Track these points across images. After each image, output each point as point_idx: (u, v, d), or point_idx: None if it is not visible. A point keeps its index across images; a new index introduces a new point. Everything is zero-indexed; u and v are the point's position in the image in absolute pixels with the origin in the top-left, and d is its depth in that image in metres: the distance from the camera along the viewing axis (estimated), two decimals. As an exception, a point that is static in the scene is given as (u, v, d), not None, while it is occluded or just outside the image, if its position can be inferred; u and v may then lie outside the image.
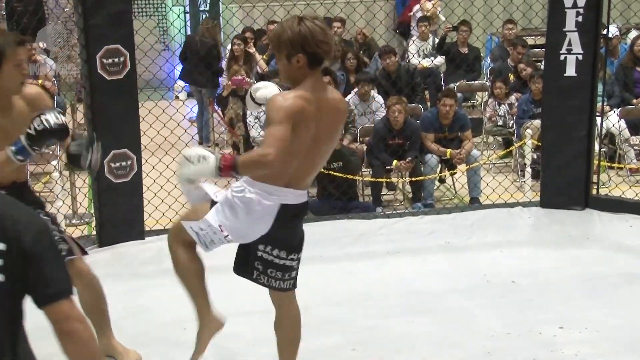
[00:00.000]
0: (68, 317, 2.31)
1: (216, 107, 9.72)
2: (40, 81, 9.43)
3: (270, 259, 3.65)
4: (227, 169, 3.27)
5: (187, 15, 14.13)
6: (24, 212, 2.33)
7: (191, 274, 3.75)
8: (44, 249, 2.29)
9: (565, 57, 6.61)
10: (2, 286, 2.23)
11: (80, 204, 7.51)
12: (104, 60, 5.72)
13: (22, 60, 3.62)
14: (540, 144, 7.22)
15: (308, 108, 3.33)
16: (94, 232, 6.33)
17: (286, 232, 3.64)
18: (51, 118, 3.44)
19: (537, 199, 7.09)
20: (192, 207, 3.78)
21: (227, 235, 3.53)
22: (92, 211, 6.61)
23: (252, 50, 9.77)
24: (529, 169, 7.70)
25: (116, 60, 5.76)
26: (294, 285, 3.87)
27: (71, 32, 11.74)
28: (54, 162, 7.29)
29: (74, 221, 7.16)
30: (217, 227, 3.50)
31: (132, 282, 5.41)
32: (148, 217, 6.35)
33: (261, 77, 8.59)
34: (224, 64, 9.92)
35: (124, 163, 5.87)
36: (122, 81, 5.81)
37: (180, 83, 11.64)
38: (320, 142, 3.50)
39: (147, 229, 6.29)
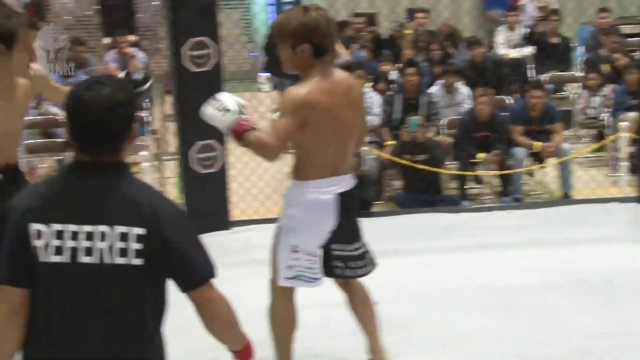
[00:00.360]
0: (212, 300, 2.43)
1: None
2: (127, 74, 9.57)
3: (346, 254, 3.70)
4: (235, 134, 3.39)
5: (271, 7, 14.12)
6: (160, 199, 2.40)
7: (288, 331, 3.81)
8: (184, 234, 2.36)
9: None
10: (141, 270, 2.28)
11: (169, 193, 7.58)
12: (191, 53, 5.75)
13: (32, 43, 3.60)
14: (637, 137, 6.98)
15: (322, 98, 3.38)
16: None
17: (350, 221, 3.67)
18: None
19: (635, 194, 6.85)
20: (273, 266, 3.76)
21: (306, 250, 3.57)
22: (180, 201, 6.65)
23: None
24: (624, 164, 7.45)
25: (202, 52, 5.79)
26: (374, 264, 3.92)
27: (160, 24, 11.93)
28: (144, 153, 7.39)
29: (162, 211, 7.21)
30: (294, 252, 3.56)
31: (221, 272, 5.39)
32: (234, 208, 6.36)
33: (345, 68, 8.51)
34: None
35: (210, 154, 5.90)
36: (208, 73, 5.84)
37: (264, 75, 11.65)
38: (345, 123, 3.51)
39: (232, 219, 6.31)
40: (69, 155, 7.64)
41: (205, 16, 5.77)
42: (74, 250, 2.26)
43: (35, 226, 2.26)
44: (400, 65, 9.02)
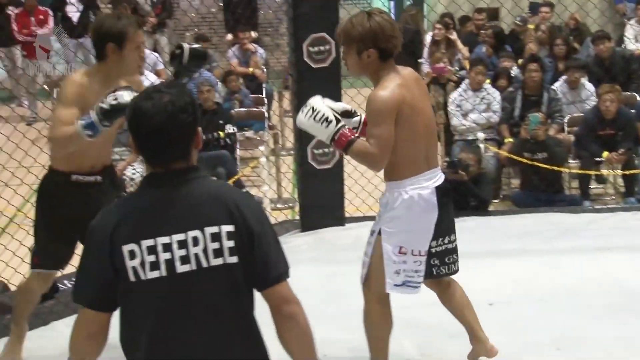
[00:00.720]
0: (288, 299, 2.36)
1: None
2: (250, 69, 9.75)
3: (443, 248, 3.69)
4: (339, 146, 3.40)
5: (392, 3, 14.08)
6: (241, 194, 2.44)
7: (385, 333, 3.79)
8: (266, 230, 2.36)
9: None
10: (237, 268, 2.30)
11: (285, 188, 7.69)
12: (311, 49, 5.81)
13: (141, 43, 3.70)
14: None
15: (405, 95, 3.40)
16: (297, 217, 6.47)
17: (447, 214, 3.64)
18: (125, 95, 3.41)
19: None
20: (371, 272, 3.70)
21: (414, 250, 3.54)
22: (296, 196, 6.74)
23: (454, 37, 9.63)
24: None
25: (322, 48, 5.83)
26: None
27: (281, 21, 12.09)
28: (262, 148, 7.51)
29: (278, 205, 7.35)
30: (401, 255, 3.53)
31: (333, 267, 5.45)
32: (348, 204, 6.40)
33: (477, 62, 8.40)
34: (425, 52, 9.82)
35: (326, 150, 5.94)
36: (327, 69, 5.88)
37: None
38: (428, 115, 3.58)
39: (347, 215, 6.34)
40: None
41: (326, 12, 5.80)
42: (169, 262, 2.27)
43: (127, 248, 2.26)
44: (522, 61, 8.87)
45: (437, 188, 3.54)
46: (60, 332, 4.87)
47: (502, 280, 5.17)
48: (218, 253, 2.27)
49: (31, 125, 9.92)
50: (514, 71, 8.80)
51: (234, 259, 2.28)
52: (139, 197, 2.41)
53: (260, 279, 2.34)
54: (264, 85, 9.94)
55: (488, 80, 8.23)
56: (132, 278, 2.26)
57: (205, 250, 2.27)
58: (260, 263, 2.32)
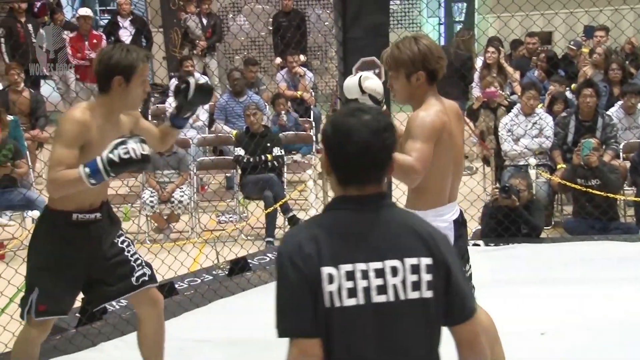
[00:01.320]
0: (477, 334, 2.33)
1: (466, 120, 9.56)
2: (299, 93, 9.79)
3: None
4: None
5: (442, 27, 14.08)
6: (430, 225, 2.36)
7: None
8: (456, 263, 2.32)
9: None
10: (431, 303, 2.22)
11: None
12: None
13: (147, 76, 3.65)
14: None
15: (447, 122, 3.42)
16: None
17: (463, 246, 3.68)
18: (138, 148, 3.34)
19: None
20: None
21: None
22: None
23: (502, 61, 9.54)
24: None
25: (371, 72, 5.82)
26: None
27: (330, 44, 12.13)
28: (309, 171, 7.51)
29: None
30: None
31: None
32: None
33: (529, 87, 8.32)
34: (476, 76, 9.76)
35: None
36: (377, 93, 5.85)
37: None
38: (460, 148, 3.63)
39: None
40: (236, 173, 7.89)
41: (376, 36, 5.79)
42: (366, 290, 2.19)
43: (326, 270, 2.18)
44: (575, 85, 8.77)
45: (455, 221, 3.55)
46: (108, 353, 4.91)
47: (554, 310, 5.07)
48: (416, 286, 2.21)
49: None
50: (567, 95, 8.69)
51: (429, 294, 2.22)
52: (333, 220, 2.29)
53: (455, 314, 2.28)
54: (312, 108, 9.96)
55: (540, 105, 8.14)
56: (327, 304, 2.18)
57: (404, 282, 2.20)
58: (457, 298, 2.27)
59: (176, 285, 5.76)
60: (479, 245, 6.33)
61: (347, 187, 2.26)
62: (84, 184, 3.34)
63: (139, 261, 3.90)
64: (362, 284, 2.18)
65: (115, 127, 3.62)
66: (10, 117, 8.22)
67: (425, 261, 2.21)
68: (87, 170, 3.31)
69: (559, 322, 4.92)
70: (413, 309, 2.21)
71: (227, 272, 6.09)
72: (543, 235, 6.89)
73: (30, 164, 8.37)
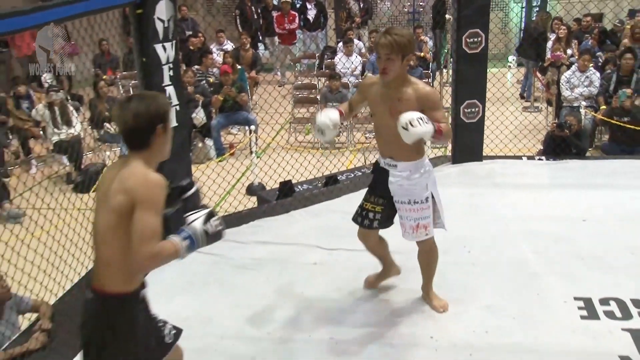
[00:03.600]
0: None
1: (539, 74, 9.02)
2: (422, 53, 9.46)
3: None
4: (438, 133, 2.81)
5: (524, 9, 13.15)
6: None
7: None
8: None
9: None
10: None
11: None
12: (467, 40, 5.54)
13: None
14: None
15: None
16: (449, 154, 6.28)
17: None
18: (221, 222, 2.18)
19: None
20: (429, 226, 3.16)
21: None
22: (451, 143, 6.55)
23: (562, 34, 8.84)
24: None
25: (475, 40, 5.54)
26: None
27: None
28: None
29: (437, 145, 7.16)
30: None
31: (472, 189, 5.27)
32: (486, 147, 6.13)
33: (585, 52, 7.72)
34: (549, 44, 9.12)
35: (473, 109, 5.69)
36: (478, 54, 5.60)
37: (513, 57, 10.99)
38: None
39: (484, 154, 6.08)
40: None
41: (480, 14, 5.49)
42: None
43: None
44: (619, 51, 8.07)
45: None
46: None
47: (594, 205, 4.82)
48: None
49: (282, 86, 10.23)
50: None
51: None
52: None
53: None
54: (430, 64, 9.64)
55: (591, 65, 7.55)
56: None
57: None
58: None
59: (338, 177, 5.77)
60: (542, 159, 6.03)
61: None
62: (178, 257, 2.07)
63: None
64: None
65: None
66: (239, 67, 8.41)
67: None
68: (186, 243, 2.07)
69: (597, 213, 4.68)
70: None
71: (371, 170, 6.07)
72: (588, 154, 6.49)
73: (250, 96, 8.57)
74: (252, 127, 6.71)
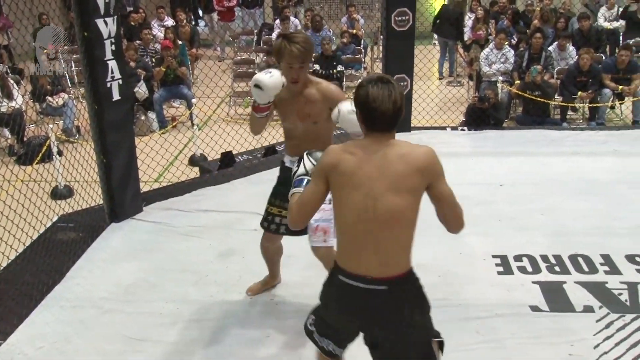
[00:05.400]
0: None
1: (461, 51, 9.11)
2: (354, 30, 9.39)
3: None
4: None
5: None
6: None
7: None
8: None
9: None
10: None
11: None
12: (396, 18, 5.51)
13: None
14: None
15: None
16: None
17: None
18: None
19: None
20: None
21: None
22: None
23: (480, 15, 8.95)
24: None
25: (403, 18, 5.52)
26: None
27: (373, 1, 11.55)
28: (359, 80, 7.25)
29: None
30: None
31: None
32: (413, 119, 6.17)
33: (500, 31, 7.82)
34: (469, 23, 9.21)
35: (402, 83, 5.71)
36: (406, 32, 5.59)
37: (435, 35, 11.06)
38: None
39: (412, 125, 6.12)
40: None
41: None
42: None
43: None
44: (529, 31, 8.27)
45: None
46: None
47: (510, 170, 4.96)
48: None
49: (222, 62, 9.96)
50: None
51: None
52: None
53: None
54: (362, 41, 9.58)
55: (507, 43, 7.70)
56: None
57: None
58: None
59: (276, 148, 5.58)
60: (464, 130, 6.14)
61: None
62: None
63: None
64: None
65: None
66: (180, 42, 8.10)
67: None
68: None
69: (513, 178, 4.82)
70: None
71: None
72: (504, 125, 6.65)
73: (191, 71, 8.29)
74: (193, 101, 6.49)
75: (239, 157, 5.38)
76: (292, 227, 1.93)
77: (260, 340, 2.85)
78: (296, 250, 3.20)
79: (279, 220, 2.89)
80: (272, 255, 3.12)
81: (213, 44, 10.72)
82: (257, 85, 2.53)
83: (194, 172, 5.57)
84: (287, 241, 3.08)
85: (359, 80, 7.59)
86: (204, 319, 3.03)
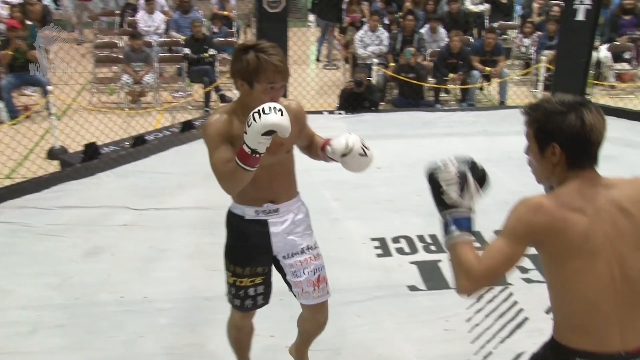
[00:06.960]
0: None
1: (337, 34, 9.33)
2: (226, 12, 9.24)
3: None
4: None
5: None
6: None
7: None
8: None
9: (578, 7, 6.01)
10: None
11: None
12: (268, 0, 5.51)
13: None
14: (551, 66, 6.70)
15: None
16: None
17: None
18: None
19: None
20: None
21: None
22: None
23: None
24: (541, 83, 7.18)
25: (275, -1, 5.54)
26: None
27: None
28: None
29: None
30: None
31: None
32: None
33: (374, 13, 8.10)
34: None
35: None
36: (279, 14, 5.61)
37: (312, 17, 11.22)
38: None
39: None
40: (184, 65, 7.47)
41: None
42: None
43: None
44: (401, 13, 8.65)
45: None
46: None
47: (387, 153, 5.16)
48: None
49: (81, 45, 9.39)
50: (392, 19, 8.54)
51: None
52: None
53: None
54: (234, 23, 9.47)
55: (380, 25, 7.99)
56: None
57: None
58: None
59: (146, 138, 5.52)
60: (340, 113, 6.30)
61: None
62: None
63: None
64: None
65: None
66: (29, 23, 7.51)
67: None
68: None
69: (390, 161, 5.03)
70: None
71: (180, 130, 5.87)
72: (380, 107, 6.93)
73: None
74: (49, 88, 6.05)
75: (104, 148, 5.15)
76: (467, 296, 1.49)
77: (134, 341, 2.75)
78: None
79: (253, 292, 2.24)
80: (246, 336, 2.44)
81: (68, 25, 10.05)
82: (269, 132, 1.82)
83: (53, 166, 5.24)
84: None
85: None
86: (68, 324, 2.87)
